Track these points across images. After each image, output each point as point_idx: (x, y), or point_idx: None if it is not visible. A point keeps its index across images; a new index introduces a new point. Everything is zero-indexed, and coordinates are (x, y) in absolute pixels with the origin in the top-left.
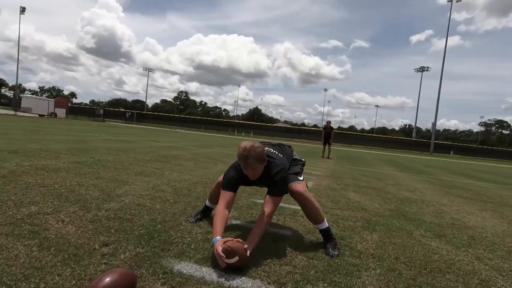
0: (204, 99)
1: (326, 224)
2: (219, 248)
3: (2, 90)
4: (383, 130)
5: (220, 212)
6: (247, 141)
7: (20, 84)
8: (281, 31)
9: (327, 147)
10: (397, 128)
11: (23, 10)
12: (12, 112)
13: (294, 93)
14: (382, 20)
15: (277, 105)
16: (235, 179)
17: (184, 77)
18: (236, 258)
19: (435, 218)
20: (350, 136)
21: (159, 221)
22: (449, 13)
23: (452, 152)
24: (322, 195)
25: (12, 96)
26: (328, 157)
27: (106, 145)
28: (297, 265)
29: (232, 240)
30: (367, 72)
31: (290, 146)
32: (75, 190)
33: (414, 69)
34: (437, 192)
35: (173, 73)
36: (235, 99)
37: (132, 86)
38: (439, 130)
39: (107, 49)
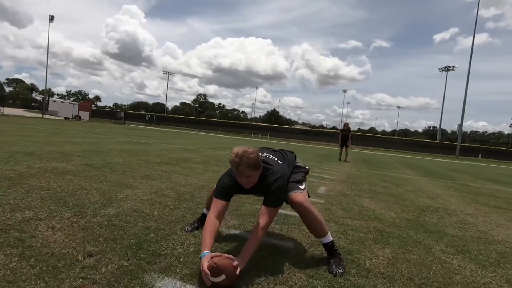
0: (223, 101)
1: (330, 237)
2: (205, 265)
3: (33, 95)
4: (405, 132)
5: (210, 222)
6: (240, 146)
7: (50, 89)
8: (299, 32)
9: (344, 149)
10: (420, 130)
11: (51, 18)
12: (40, 115)
13: (312, 94)
14: (403, 19)
15: (295, 107)
16: (228, 187)
17: (203, 80)
18: (223, 276)
19: (458, 230)
20: (370, 138)
21: (152, 230)
22: (475, 9)
23: (480, 155)
24: (334, 202)
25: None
26: (345, 160)
27: (120, 147)
28: (294, 284)
29: (221, 255)
30: (388, 72)
31: (292, 152)
32: (76, 194)
33: (439, 69)
34: (461, 199)
35: (193, 76)
36: (253, 101)
37: (153, 90)
38: (466, 132)
39: (130, 54)
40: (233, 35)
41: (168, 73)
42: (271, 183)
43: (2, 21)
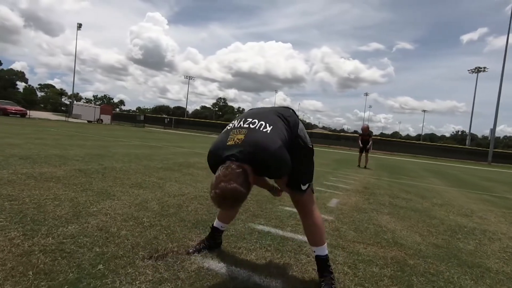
0: (242, 105)
1: (325, 250)
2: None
3: (63, 99)
4: (431, 137)
5: None
6: (215, 180)
7: (78, 93)
8: (320, 35)
9: (364, 155)
10: (447, 135)
11: (79, 26)
12: (64, 118)
13: (333, 98)
14: (427, 20)
15: (315, 110)
16: None
17: (223, 84)
18: None
19: (504, 263)
20: (393, 143)
21: (106, 258)
22: (506, 7)
23: None
24: (345, 219)
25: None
26: (365, 167)
27: (127, 151)
28: None
29: None
30: (411, 75)
31: (288, 108)
32: (43, 206)
33: (468, 70)
34: (502, 217)
35: (213, 80)
36: (272, 105)
37: (175, 94)
38: (499, 137)
39: (153, 59)
40: (253, 39)
41: (189, 78)
42: (274, 171)
43: (37, 31)
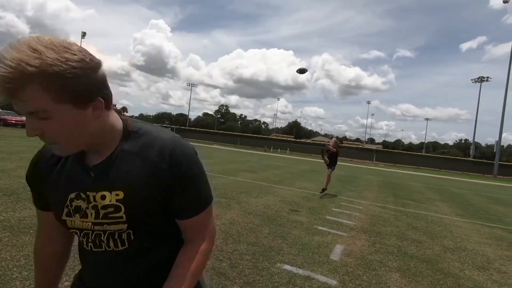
0: (244, 112)
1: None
2: None
3: None
4: (434, 145)
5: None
6: None
7: None
8: (322, 43)
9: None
10: (450, 143)
11: (83, 35)
12: None
13: (334, 105)
14: (427, 28)
15: (317, 117)
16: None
17: (225, 90)
18: None
19: None
20: (396, 154)
21: None
22: (504, 17)
23: None
24: (351, 282)
25: None
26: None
27: None
28: None
29: None
30: (412, 82)
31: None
32: (8, 282)
33: (472, 80)
34: None
35: (214, 87)
36: (274, 112)
37: (177, 100)
38: (503, 146)
39: (155, 65)
40: (256, 46)
41: (192, 85)
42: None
43: None
